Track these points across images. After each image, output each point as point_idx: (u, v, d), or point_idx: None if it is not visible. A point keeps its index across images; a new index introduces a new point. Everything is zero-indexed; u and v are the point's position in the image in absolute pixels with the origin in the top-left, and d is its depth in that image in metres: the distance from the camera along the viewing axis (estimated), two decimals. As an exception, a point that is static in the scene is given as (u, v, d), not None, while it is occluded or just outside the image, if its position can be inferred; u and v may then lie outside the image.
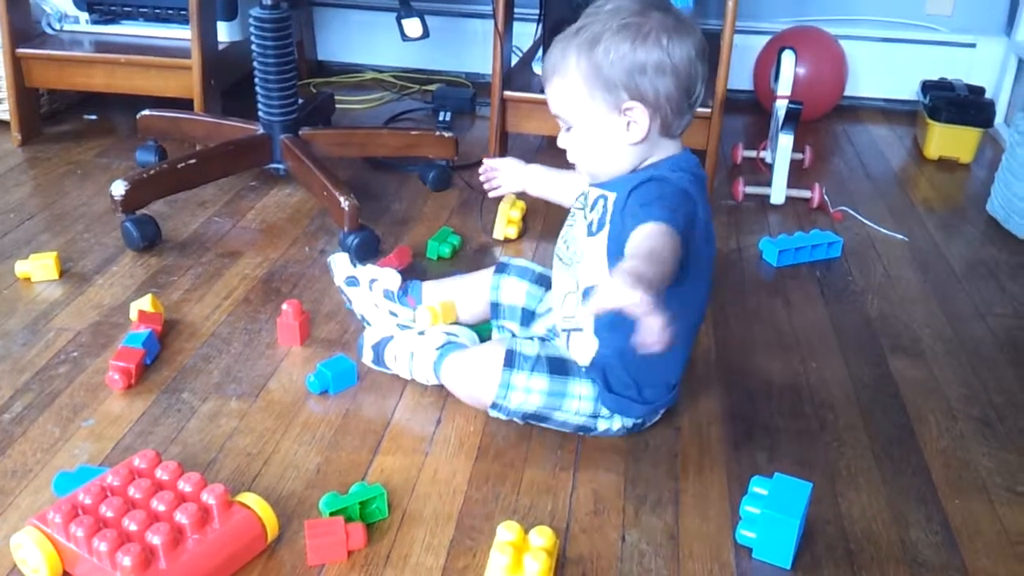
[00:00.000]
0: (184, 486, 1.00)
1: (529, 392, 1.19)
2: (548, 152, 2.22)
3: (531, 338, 1.26)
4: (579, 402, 1.20)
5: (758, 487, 1.08)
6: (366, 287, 1.42)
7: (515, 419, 1.23)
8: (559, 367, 1.21)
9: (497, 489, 1.14)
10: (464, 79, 2.67)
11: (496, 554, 1.00)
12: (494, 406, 1.21)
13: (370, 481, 1.13)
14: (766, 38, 2.50)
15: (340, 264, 1.47)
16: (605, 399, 1.20)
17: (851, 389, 1.36)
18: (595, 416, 1.21)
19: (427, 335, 1.30)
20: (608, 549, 1.06)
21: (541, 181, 1.45)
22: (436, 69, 2.71)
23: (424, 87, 2.61)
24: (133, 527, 0.94)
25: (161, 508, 0.97)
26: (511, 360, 1.20)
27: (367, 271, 1.44)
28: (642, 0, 1.12)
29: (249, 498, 1.03)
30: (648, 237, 1.03)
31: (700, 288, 1.20)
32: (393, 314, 1.40)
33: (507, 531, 1.03)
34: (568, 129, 1.17)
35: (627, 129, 1.12)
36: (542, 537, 1.02)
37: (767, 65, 2.37)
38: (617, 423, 1.22)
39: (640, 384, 1.20)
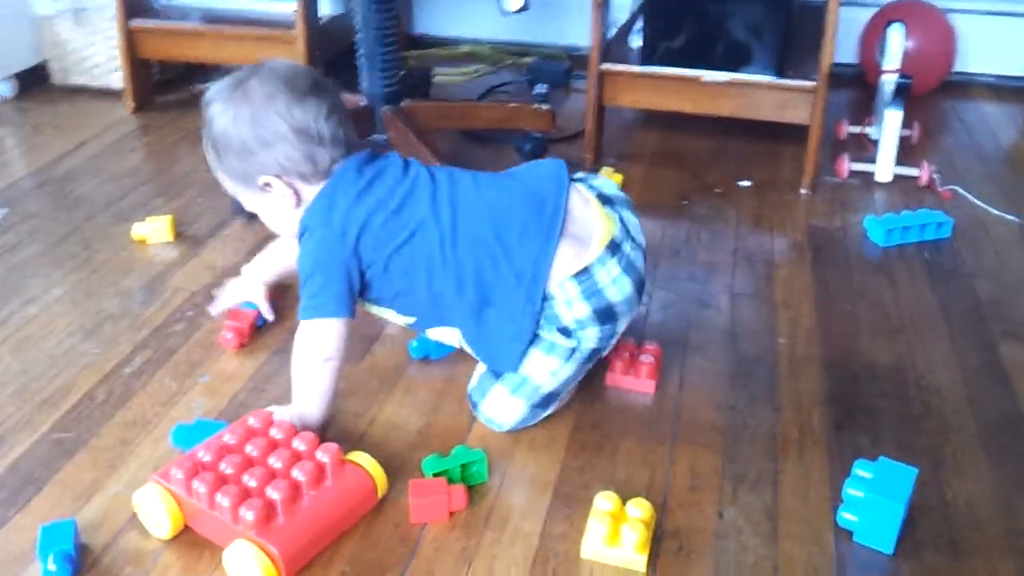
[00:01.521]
0: (299, 444, 1.04)
1: (503, 404, 1.19)
2: (645, 127, 2.21)
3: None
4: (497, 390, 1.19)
5: (861, 470, 1.07)
6: None
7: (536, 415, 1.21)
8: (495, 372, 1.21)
9: (593, 459, 1.16)
10: (559, 52, 2.67)
11: (594, 523, 1.01)
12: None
13: (470, 446, 1.15)
14: (871, 10, 2.42)
15: None
16: (506, 362, 1.18)
17: (958, 374, 1.33)
18: (569, 353, 1.18)
19: None
20: (705, 524, 1.06)
21: (268, 268, 1.40)
22: (531, 42, 2.70)
23: (520, 60, 2.62)
24: (253, 483, 0.98)
25: (278, 465, 1.01)
26: (472, 403, 1.22)
27: None
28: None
29: (361, 457, 1.06)
30: None
31: (434, 244, 1.14)
32: None
33: (605, 501, 1.05)
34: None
35: (283, 199, 1.16)
36: (640, 509, 1.03)
37: (873, 38, 2.31)
38: (589, 333, 1.17)
39: (498, 329, 1.17)
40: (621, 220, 1.19)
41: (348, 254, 1.12)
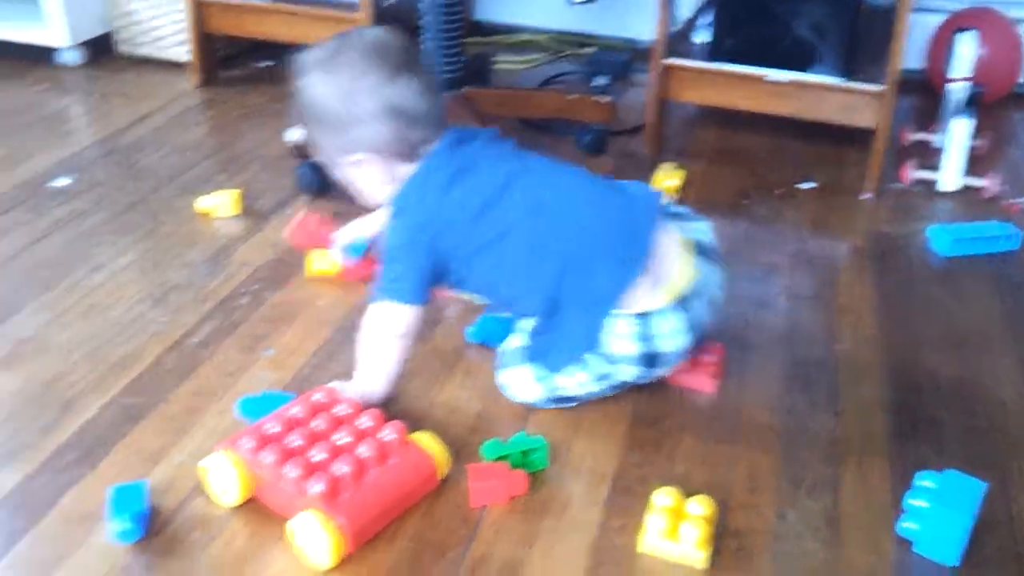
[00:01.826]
0: (364, 421, 1.06)
1: (522, 383, 1.20)
2: (704, 123, 2.20)
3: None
4: (571, 379, 1.19)
5: (926, 481, 1.06)
6: None
7: (547, 407, 1.22)
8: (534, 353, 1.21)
9: (652, 455, 1.16)
10: (620, 43, 2.66)
11: (655, 518, 1.02)
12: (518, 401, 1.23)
13: (530, 433, 1.16)
14: (941, 16, 2.39)
15: None
16: (552, 363, 1.18)
17: None
18: (602, 376, 1.18)
19: None
20: (764, 526, 1.06)
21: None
22: (592, 33, 2.69)
23: (580, 50, 2.61)
24: (320, 457, 0.99)
25: (345, 441, 1.02)
26: (500, 363, 1.24)
27: None
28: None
29: (424, 437, 1.07)
30: None
31: (519, 250, 1.14)
32: None
33: (665, 496, 1.05)
34: None
35: (376, 174, 1.18)
36: (702, 506, 1.04)
37: (942, 45, 2.27)
38: (627, 369, 1.17)
39: (563, 320, 1.16)
40: (706, 274, 1.17)
41: (431, 245, 1.13)
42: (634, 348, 1.13)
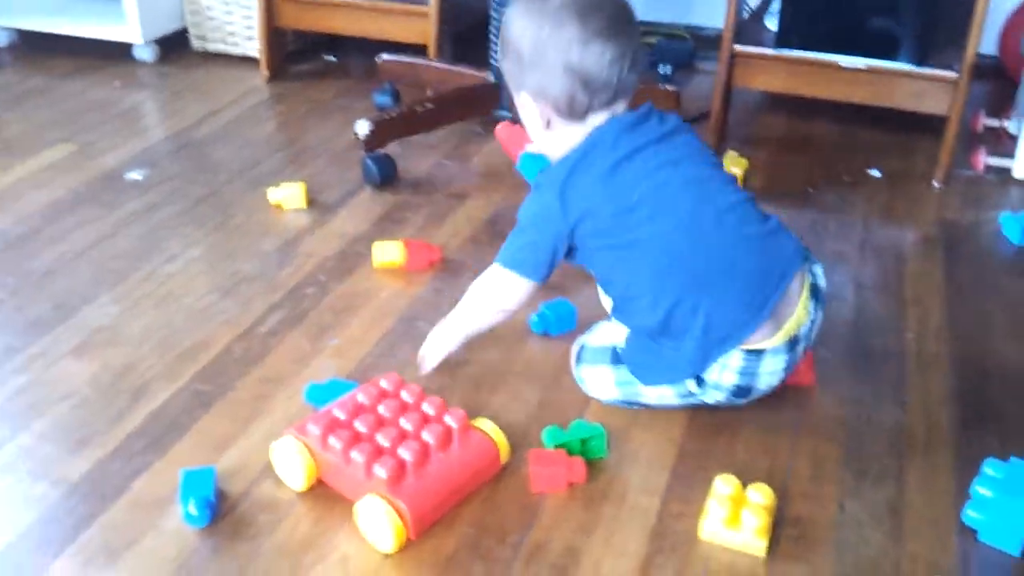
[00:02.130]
0: (428, 408, 1.08)
1: (601, 383, 1.20)
2: (769, 111, 2.17)
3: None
4: (651, 390, 1.18)
5: (991, 469, 1.05)
6: None
7: (619, 406, 1.21)
8: (619, 356, 1.19)
9: (712, 443, 1.16)
10: (683, 31, 2.63)
11: (715, 505, 1.02)
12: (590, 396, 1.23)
13: (588, 421, 1.16)
14: (1015, 1, 2.32)
15: None
16: (646, 376, 1.16)
17: (1096, 380, 1.28)
18: (687, 394, 1.17)
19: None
20: (825, 515, 1.06)
21: None
22: (654, 20, 2.68)
23: (644, 39, 2.60)
24: (385, 442, 1.02)
25: (409, 427, 1.05)
26: (579, 357, 1.23)
27: None
28: None
29: (486, 424, 1.09)
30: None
31: (643, 242, 1.10)
32: None
33: (725, 484, 1.05)
34: None
35: (537, 118, 1.15)
36: (761, 494, 1.03)
37: (1016, 29, 2.21)
38: (715, 394, 1.15)
39: (675, 341, 1.12)
40: (815, 318, 1.16)
41: (565, 230, 1.11)
42: (733, 379, 1.13)
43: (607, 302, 1.22)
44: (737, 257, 1.10)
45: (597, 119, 1.14)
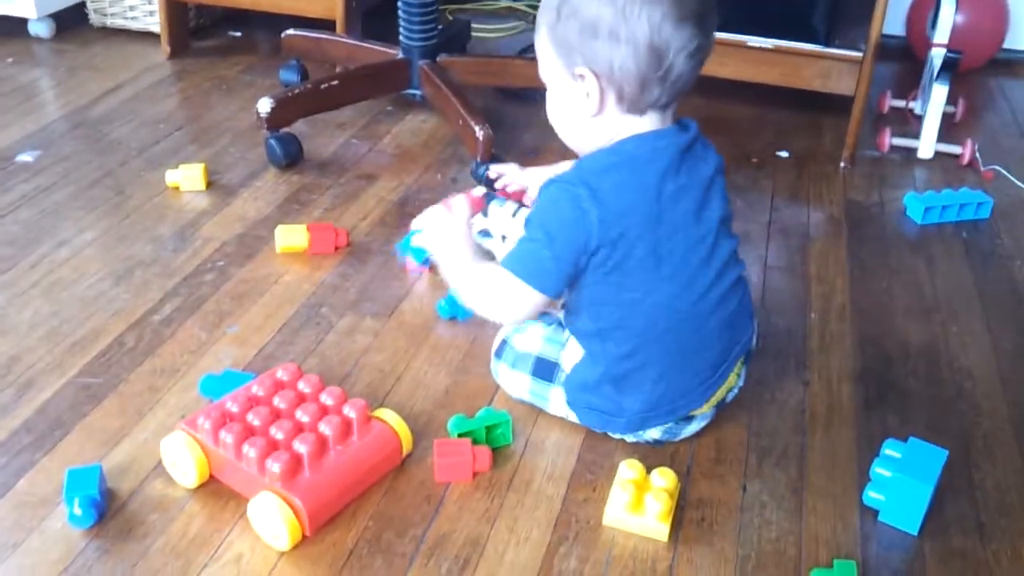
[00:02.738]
0: (326, 399, 1.05)
1: (515, 385, 1.16)
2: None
3: (556, 324, 1.16)
4: (563, 410, 1.14)
5: (891, 450, 1.06)
6: (499, 241, 1.39)
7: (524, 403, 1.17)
8: (544, 370, 1.13)
9: (619, 427, 1.15)
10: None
11: (618, 490, 1.01)
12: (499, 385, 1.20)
13: (496, 408, 1.15)
14: (922, -19, 2.36)
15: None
16: (580, 414, 1.12)
17: (992, 357, 1.31)
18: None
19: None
20: (729, 496, 1.06)
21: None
22: None
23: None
24: (280, 436, 0.98)
25: (305, 419, 1.01)
26: (500, 351, 1.18)
27: (499, 221, 1.38)
28: None
29: (387, 414, 1.07)
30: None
31: (652, 288, 1.03)
32: None
33: (629, 469, 1.04)
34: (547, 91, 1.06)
35: (585, 99, 0.99)
36: (664, 478, 1.03)
37: (922, 10, 2.25)
38: (618, 435, 1.12)
39: (619, 396, 1.08)
40: (742, 383, 1.17)
41: (593, 245, 0.99)
42: (655, 435, 1.11)
43: (563, 315, 1.14)
44: (713, 339, 1.08)
45: (650, 120, 1.01)
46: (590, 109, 1.00)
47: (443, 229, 1.11)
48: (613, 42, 0.95)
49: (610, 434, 1.13)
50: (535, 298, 1.02)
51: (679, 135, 1.03)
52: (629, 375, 1.07)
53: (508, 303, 1.04)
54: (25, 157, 1.72)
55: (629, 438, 1.12)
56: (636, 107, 1.00)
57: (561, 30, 0.98)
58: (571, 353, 1.12)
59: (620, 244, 0.99)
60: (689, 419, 1.12)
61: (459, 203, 1.13)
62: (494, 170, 1.37)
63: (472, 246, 1.09)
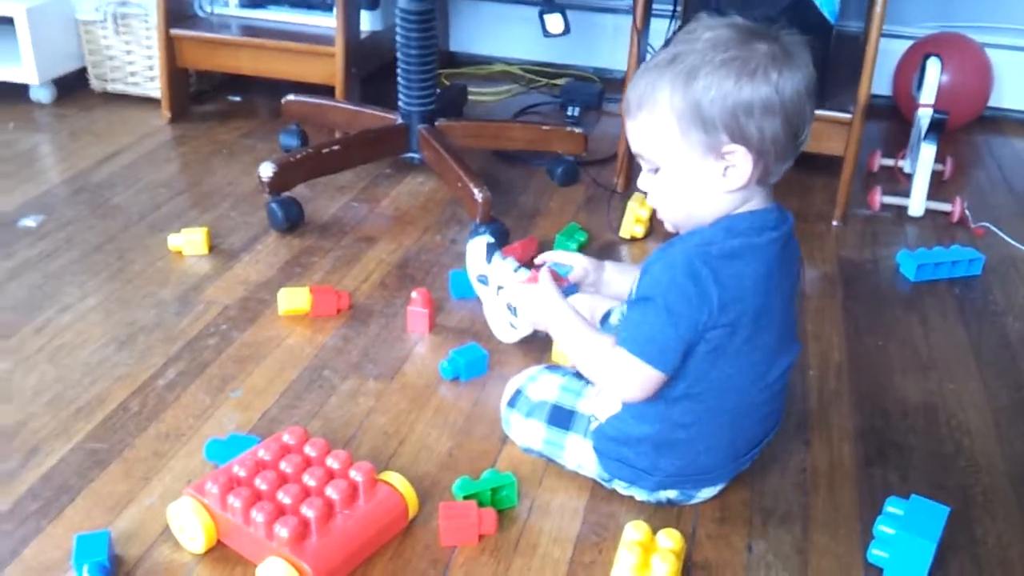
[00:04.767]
0: (332, 463, 1.05)
1: (528, 434, 1.17)
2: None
3: (572, 374, 1.18)
4: (579, 458, 1.14)
5: (893, 507, 1.07)
6: (494, 290, 1.42)
7: (532, 455, 1.19)
8: (560, 418, 1.14)
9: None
10: (592, 74, 2.68)
11: (624, 552, 1.01)
12: (509, 436, 1.21)
13: (500, 469, 1.15)
14: (907, 43, 2.42)
15: (475, 255, 1.48)
16: (607, 464, 1.12)
17: (988, 413, 1.32)
18: (608, 479, 1.14)
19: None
20: (734, 558, 1.06)
21: (614, 281, 1.25)
22: (564, 63, 2.72)
23: (552, 81, 2.63)
24: (287, 500, 0.99)
25: (312, 483, 1.02)
26: (513, 400, 1.19)
27: (499, 272, 1.41)
28: (744, 29, 0.99)
29: (393, 477, 1.07)
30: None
31: (738, 371, 1.06)
32: (512, 327, 1.40)
33: (635, 531, 1.05)
34: (655, 171, 1.04)
35: (724, 175, 1.00)
36: (670, 539, 1.03)
37: (908, 71, 2.31)
38: (642, 494, 1.13)
39: (657, 457, 1.09)
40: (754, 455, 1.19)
41: (699, 330, 1.00)
42: (670, 496, 1.12)
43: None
44: (760, 421, 1.13)
45: (762, 194, 1.04)
46: (731, 183, 1.00)
47: (542, 303, 1.13)
48: (768, 115, 0.97)
49: (622, 491, 1.13)
50: (657, 379, 1.02)
51: (783, 223, 1.06)
52: (678, 442, 1.08)
53: (631, 385, 1.03)
54: (28, 222, 1.74)
55: (641, 495, 1.13)
56: (768, 178, 1.03)
57: (705, 112, 0.97)
58: (606, 404, 1.12)
59: (729, 328, 1.01)
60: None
61: (544, 277, 1.15)
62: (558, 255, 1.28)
63: (575, 314, 1.10)
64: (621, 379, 1.03)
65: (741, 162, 0.99)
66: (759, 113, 0.97)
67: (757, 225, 1.03)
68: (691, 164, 1.01)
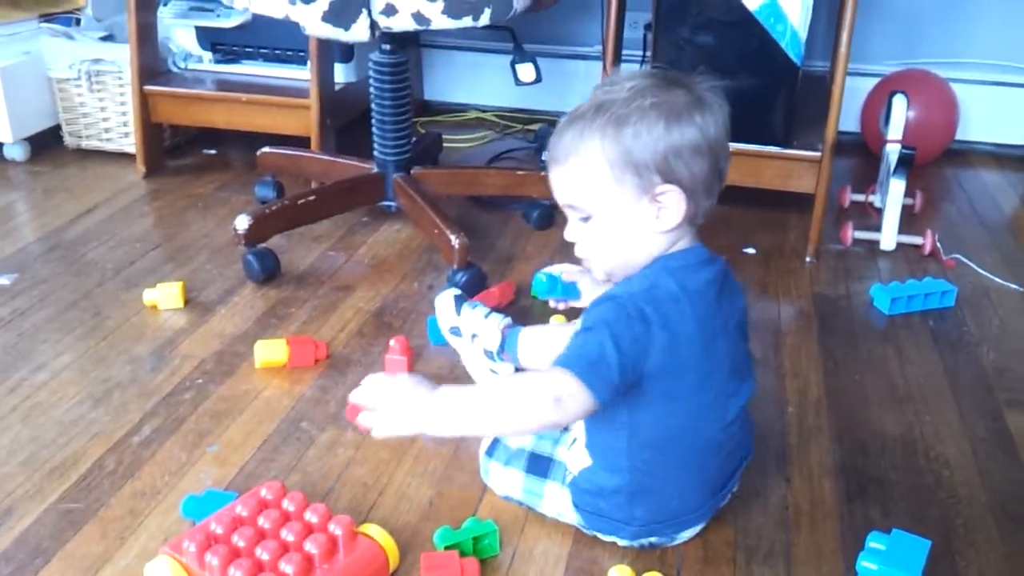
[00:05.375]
0: (311, 517, 1.04)
1: (507, 483, 1.17)
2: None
3: None
4: (558, 506, 1.14)
5: (875, 542, 1.07)
6: (468, 339, 1.42)
7: (512, 503, 1.18)
8: (538, 466, 1.15)
9: (605, 531, 1.15)
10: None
11: (608, 597, 1.01)
12: (488, 485, 1.21)
13: (481, 517, 1.15)
14: (873, 80, 2.47)
15: (444, 309, 1.47)
16: (586, 517, 1.12)
17: (966, 444, 1.33)
18: (588, 527, 1.14)
19: None
20: (719, 598, 1.06)
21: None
22: (537, 109, 2.75)
23: (526, 126, 2.66)
24: (266, 557, 0.98)
25: (291, 538, 1.00)
26: (491, 450, 1.19)
27: (470, 321, 1.42)
28: (662, 77, 1.03)
29: (372, 529, 1.06)
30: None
31: (694, 413, 1.07)
32: (493, 372, 1.41)
33: (619, 574, 1.04)
34: (586, 219, 1.05)
35: (657, 216, 1.02)
36: (654, 583, 1.03)
37: (875, 107, 2.35)
38: (624, 540, 1.12)
39: (632, 507, 1.09)
40: (736, 491, 1.20)
41: (638, 373, 1.00)
42: (651, 540, 1.12)
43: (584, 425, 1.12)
44: (727, 458, 1.13)
45: (690, 233, 1.07)
46: (664, 224, 1.03)
47: (400, 396, 1.01)
48: (696, 156, 1.01)
49: (603, 537, 1.13)
50: (587, 403, 0.96)
51: (714, 263, 1.08)
52: (651, 490, 1.08)
53: (561, 403, 0.95)
54: (2, 280, 1.73)
55: (623, 542, 1.12)
56: (694, 218, 1.05)
57: (637, 156, 1.00)
58: (577, 456, 1.12)
59: (677, 371, 1.02)
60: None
61: (393, 364, 1.14)
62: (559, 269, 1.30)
63: (436, 387, 1.01)
64: (557, 399, 0.95)
65: (673, 202, 1.02)
66: (688, 154, 1.00)
67: (692, 262, 1.06)
68: (625, 208, 1.03)
